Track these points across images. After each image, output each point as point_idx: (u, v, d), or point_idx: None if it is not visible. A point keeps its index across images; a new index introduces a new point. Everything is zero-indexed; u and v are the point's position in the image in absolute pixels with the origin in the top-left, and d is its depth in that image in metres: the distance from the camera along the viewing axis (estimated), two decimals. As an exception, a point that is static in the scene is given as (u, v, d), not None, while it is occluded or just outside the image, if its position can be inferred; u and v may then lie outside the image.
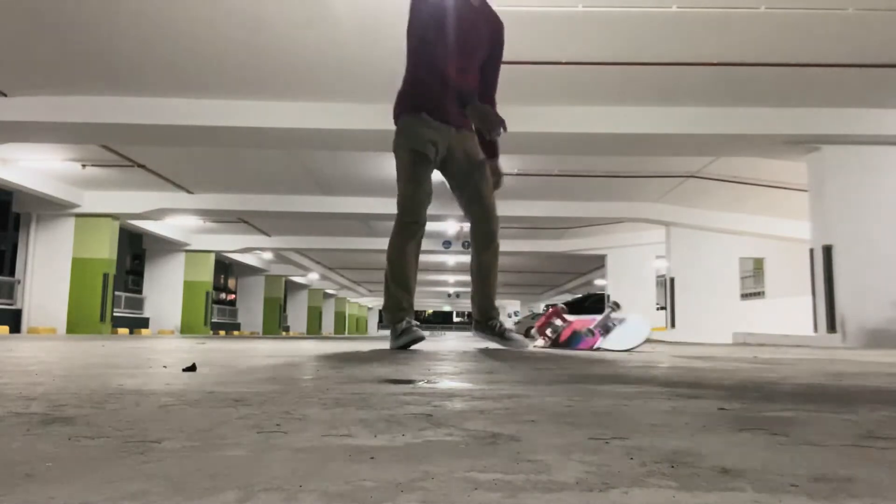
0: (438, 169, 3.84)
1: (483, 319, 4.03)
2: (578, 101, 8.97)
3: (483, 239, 3.89)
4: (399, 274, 3.74)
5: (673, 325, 15.33)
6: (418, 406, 1.18)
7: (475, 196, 3.86)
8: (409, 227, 3.70)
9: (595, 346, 4.52)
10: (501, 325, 4.03)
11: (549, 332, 5.22)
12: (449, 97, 3.51)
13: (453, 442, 0.82)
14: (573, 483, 0.61)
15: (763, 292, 17.28)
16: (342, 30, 6.99)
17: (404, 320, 3.75)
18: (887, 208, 9.02)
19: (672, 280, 15.60)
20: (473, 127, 3.71)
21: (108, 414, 1.04)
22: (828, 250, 8.92)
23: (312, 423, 0.98)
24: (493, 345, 4.13)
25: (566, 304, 24.80)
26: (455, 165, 3.79)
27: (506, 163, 12.00)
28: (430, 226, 17.95)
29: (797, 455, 0.76)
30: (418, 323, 3.86)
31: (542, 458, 0.72)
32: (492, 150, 3.95)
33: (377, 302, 53.53)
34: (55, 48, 7.66)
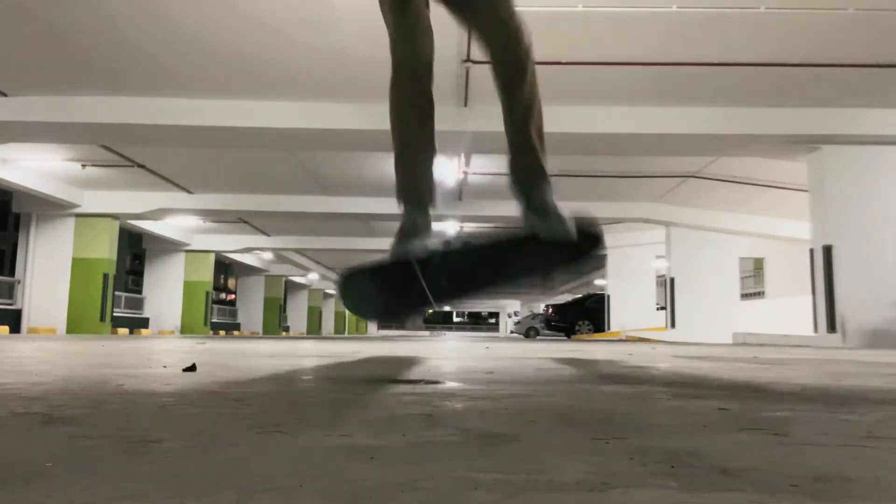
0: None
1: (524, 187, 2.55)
2: (578, 101, 8.96)
3: (508, 66, 2.59)
4: (395, 145, 2.65)
5: (673, 325, 15.33)
6: (418, 406, 1.18)
7: (481, 7, 2.64)
8: (397, 78, 2.64)
9: None
10: (548, 202, 2.53)
11: None
12: None
13: (453, 442, 0.82)
14: (573, 483, 0.61)
15: (763, 292, 17.28)
16: (342, 30, 6.99)
17: (404, 212, 2.55)
18: (887, 208, 9.01)
19: (672, 280, 15.60)
20: None
21: (108, 414, 1.04)
22: (828, 250, 8.91)
23: (312, 423, 0.98)
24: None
25: (565, 304, 24.79)
26: None
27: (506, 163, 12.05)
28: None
29: (797, 455, 0.76)
30: (424, 223, 2.45)
31: (541, 458, 0.72)
32: None
33: (377, 302, 53.41)
34: (55, 48, 7.66)
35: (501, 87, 2.65)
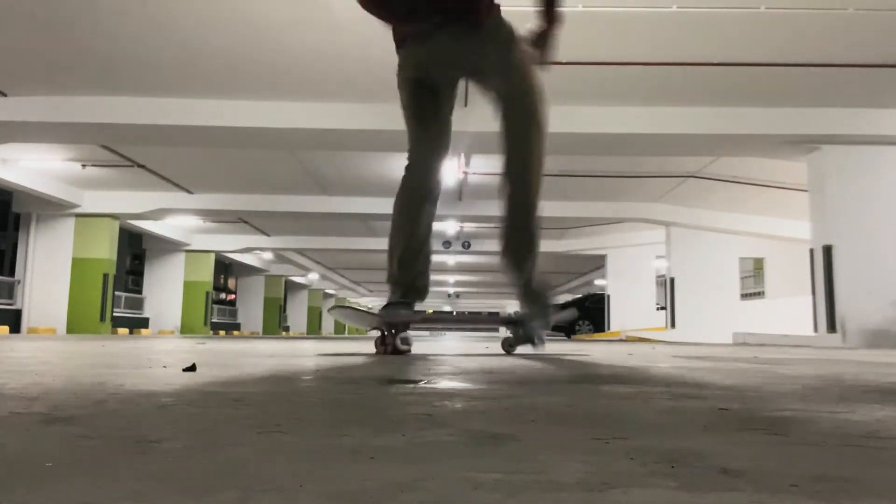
0: (468, 79, 2.97)
1: (515, 268, 2.95)
2: (578, 102, 8.96)
3: (517, 129, 2.80)
4: (392, 232, 2.98)
5: (673, 325, 15.34)
6: (418, 406, 1.18)
7: (502, 76, 2.82)
8: (407, 174, 2.94)
9: None
10: (537, 291, 2.95)
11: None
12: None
13: (453, 442, 0.82)
14: (573, 483, 0.61)
15: (763, 292, 17.29)
16: (341, 30, 6.99)
17: (392, 292, 3.00)
18: (887, 208, 9.02)
19: (672, 280, 15.60)
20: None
21: (108, 414, 1.04)
22: (828, 250, 8.92)
23: (312, 423, 0.98)
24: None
25: (564, 304, 24.78)
26: (470, 65, 2.87)
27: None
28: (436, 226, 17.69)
29: (797, 455, 0.76)
30: (404, 303, 3.00)
31: (542, 458, 0.72)
32: (549, 15, 3.00)
33: (377, 302, 53.51)
34: (55, 48, 7.66)
35: (505, 150, 2.78)
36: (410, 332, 3.21)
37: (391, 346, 3.06)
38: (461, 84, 3.06)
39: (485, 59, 2.84)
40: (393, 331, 3.07)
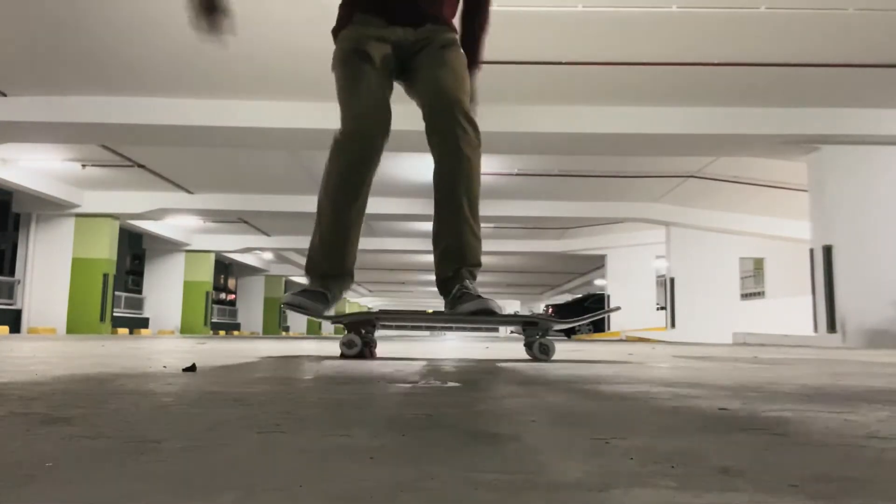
0: (397, 77, 2.84)
1: (443, 277, 2.69)
2: (578, 102, 8.97)
3: (439, 134, 2.63)
4: (327, 219, 2.73)
5: (673, 325, 15.34)
6: (418, 406, 1.18)
7: (428, 82, 2.71)
8: (339, 145, 2.67)
9: None
10: (462, 287, 2.62)
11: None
12: None
13: (453, 442, 0.82)
14: (573, 483, 0.61)
15: (763, 292, 17.29)
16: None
17: (315, 287, 2.71)
18: (887, 208, 9.02)
19: (672, 280, 15.60)
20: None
21: (108, 414, 1.04)
22: (828, 250, 8.92)
23: (312, 423, 0.98)
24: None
25: (560, 305, 24.80)
26: (412, 61, 2.75)
27: (506, 163, 12.06)
28: (422, 226, 17.77)
29: (797, 455, 0.76)
30: (326, 294, 2.70)
31: (542, 458, 0.72)
32: (472, 55, 2.87)
33: (377, 302, 53.50)
34: (55, 48, 7.66)
35: (434, 152, 2.61)
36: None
37: (368, 348, 2.86)
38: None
39: (417, 54, 2.74)
40: (363, 331, 2.85)
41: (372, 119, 2.65)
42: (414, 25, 2.73)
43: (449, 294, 2.64)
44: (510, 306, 49.66)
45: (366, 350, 2.84)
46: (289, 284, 31.80)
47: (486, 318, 2.56)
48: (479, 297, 2.57)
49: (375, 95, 2.68)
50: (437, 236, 2.70)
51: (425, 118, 2.66)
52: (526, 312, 36.45)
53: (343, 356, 2.79)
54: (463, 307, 2.55)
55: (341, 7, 2.86)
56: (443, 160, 2.65)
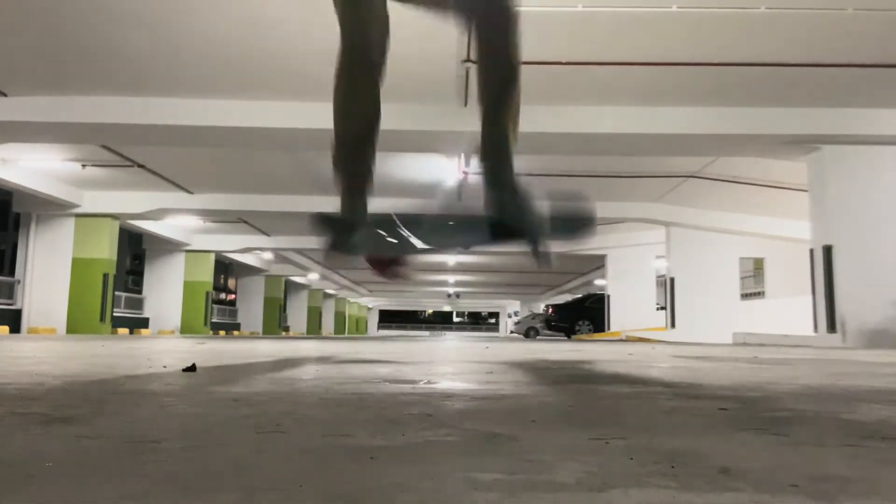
0: None
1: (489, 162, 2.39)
2: (578, 102, 8.96)
3: (501, 71, 2.27)
4: (340, 140, 2.46)
5: (673, 325, 15.33)
6: (418, 406, 1.18)
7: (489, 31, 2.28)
8: (346, 64, 2.37)
9: None
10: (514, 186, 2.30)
11: None
12: None
13: (453, 442, 0.82)
14: (573, 483, 0.61)
15: (763, 292, 17.28)
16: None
17: (345, 205, 2.50)
18: (887, 208, 9.01)
19: (672, 280, 15.59)
20: None
21: (108, 414, 1.04)
22: (828, 250, 8.91)
23: (312, 423, 0.98)
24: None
25: (565, 304, 24.81)
26: None
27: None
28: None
29: (797, 455, 0.76)
30: (362, 223, 2.43)
31: (542, 458, 0.72)
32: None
33: (377, 302, 53.53)
34: (55, 48, 7.65)
35: (490, 92, 2.28)
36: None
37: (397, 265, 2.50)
38: (462, 85, 2.70)
39: None
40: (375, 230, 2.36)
41: (369, 21, 2.32)
42: None
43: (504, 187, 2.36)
44: (510, 306, 49.70)
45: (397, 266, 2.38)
46: (289, 284, 31.82)
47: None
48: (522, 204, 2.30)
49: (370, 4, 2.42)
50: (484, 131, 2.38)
51: (483, 60, 2.34)
52: (526, 312, 36.44)
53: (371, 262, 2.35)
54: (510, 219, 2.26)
55: None
56: (494, 57, 2.30)
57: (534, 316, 28.76)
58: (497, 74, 2.51)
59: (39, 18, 6.95)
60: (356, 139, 2.55)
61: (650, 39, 7.20)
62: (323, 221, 2.45)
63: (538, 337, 23.84)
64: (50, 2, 6.65)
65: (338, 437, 0.84)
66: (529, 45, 6.72)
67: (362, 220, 2.57)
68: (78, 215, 15.11)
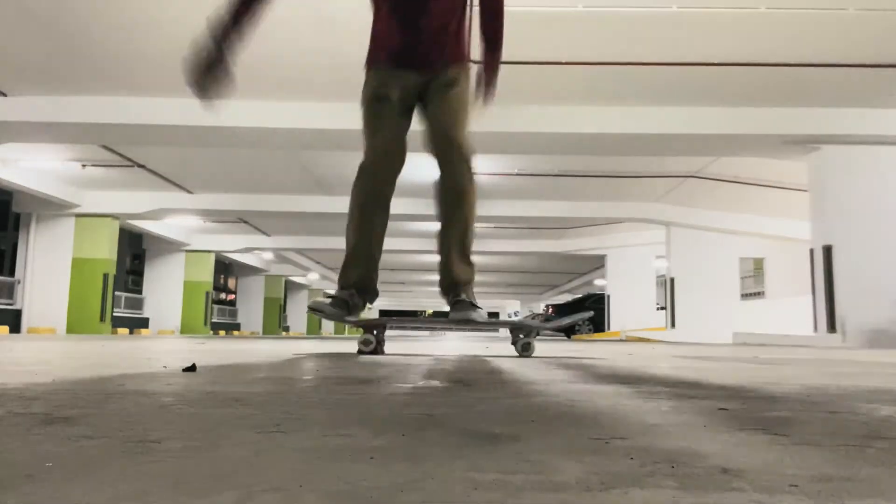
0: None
1: (443, 287, 3.22)
2: (578, 101, 8.97)
3: (440, 166, 3.17)
4: (356, 237, 3.20)
5: (673, 325, 15.34)
6: (418, 406, 1.18)
7: (430, 119, 3.23)
8: (362, 171, 3.22)
9: None
10: (456, 297, 3.13)
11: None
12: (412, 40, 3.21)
13: (453, 442, 0.82)
14: (573, 483, 0.61)
15: (763, 292, 17.28)
16: (342, 30, 6.99)
17: (346, 295, 3.14)
18: (887, 208, 9.01)
19: (672, 280, 15.60)
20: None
21: (108, 414, 1.04)
22: (828, 250, 8.91)
23: (312, 423, 0.98)
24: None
25: (565, 304, 24.82)
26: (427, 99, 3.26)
27: (506, 163, 12.06)
28: (422, 226, 17.78)
29: (797, 455, 0.76)
30: (356, 301, 3.14)
31: (542, 458, 0.72)
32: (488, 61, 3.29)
33: (378, 302, 53.37)
34: (55, 48, 7.65)
35: (437, 201, 3.13)
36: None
37: (379, 345, 3.41)
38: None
39: (427, 91, 3.26)
40: (375, 332, 3.44)
41: (388, 151, 3.22)
42: (419, 70, 3.23)
43: (448, 299, 3.19)
44: (510, 306, 49.68)
45: (378, 347, 3.37)
46: (289, 284, 31.82)
47: (472, 324, 3.10)
48: (471, 305, 3.11)
49: (392, 133, 3.24)
50: (440, 249, 3.22)
51: (429, 150, 3.20)
52: (526, 312, 36.43)
53: (360, 352, 3.29)
54: (452, 315, 3.12)
55: (370, 43, 3.41)
56: (443, 185, 3.17)
57: (534, 316, 28.76)
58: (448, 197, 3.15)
59: (39, 19, 6.95)
60: (367, 247, 3.16)
61: (650, 39, 7.20)
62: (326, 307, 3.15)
63: (538, 337, 23.80)
64: (50, 2, 6.65)
65: (338, 437, 0.84)
66: (530, 44, 6.77)
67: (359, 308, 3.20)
68: (78, 215, 15.11)
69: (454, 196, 3.12)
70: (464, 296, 3.10)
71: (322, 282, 33.42)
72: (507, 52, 3.95)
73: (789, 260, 15.12)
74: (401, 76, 3.25)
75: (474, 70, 3.26)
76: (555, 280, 32.33)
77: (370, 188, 3.18)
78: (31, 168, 12.85)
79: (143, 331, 19.46)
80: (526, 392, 1.47)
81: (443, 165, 3.13)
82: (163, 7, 6.67)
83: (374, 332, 3.41)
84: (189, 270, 20.63)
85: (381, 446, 0.78)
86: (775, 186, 12.41)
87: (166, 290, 20.48)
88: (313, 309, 3.19)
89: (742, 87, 8.40)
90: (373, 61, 3.37)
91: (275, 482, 0.60)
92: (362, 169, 3.19)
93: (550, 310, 24.24)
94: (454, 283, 3.12)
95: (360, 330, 3.48)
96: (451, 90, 3.22)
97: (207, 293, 20.94)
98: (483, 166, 11.89)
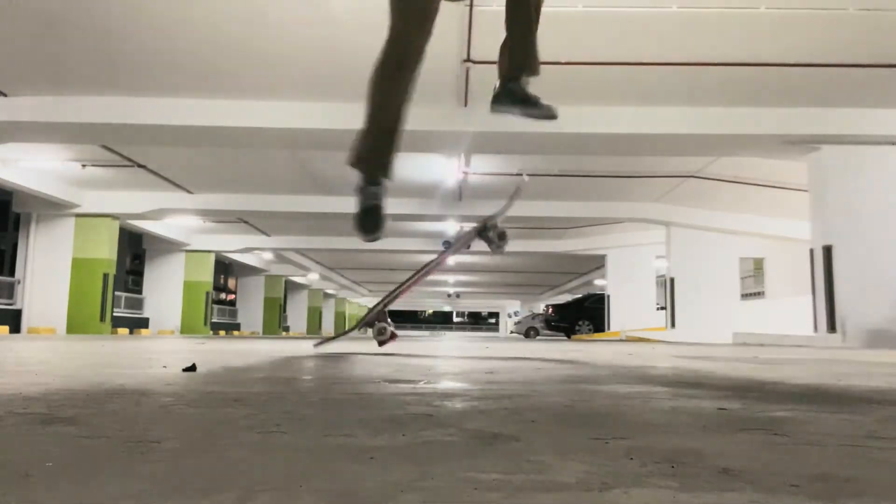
0: None
1: (515, 77, 2.92)
2: (578, 102, 8.96)
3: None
4: (375, 119, 2.92)
5: (673, 325, 15.33)
6: (418, 406, 1.18)
7: None
8: (395, 64, 2.86)
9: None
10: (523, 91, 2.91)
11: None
12: None
13: (453, 442, 0.82)
14: (573, 483, 0.61)
15: (763, 292, 17.28)
16: (342, 29, 6.99)
17: (365, 181, 2.89)
18: (887, 208, 9.00)
19: (672, 280, 15.59)
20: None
21: (108, 414, 1.04)
22: (828, 250, 8.91)
23: (312, 423, 0.98)
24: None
25: (565, 304, 24.80)
26: None
27: (506, 163, 12.06)
28: (422, 226, 17.66)
29: (797, 455, 0.76)
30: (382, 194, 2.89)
31: (542, 458, 0.72)
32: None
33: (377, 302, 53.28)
34: (55, 48, 7.65)
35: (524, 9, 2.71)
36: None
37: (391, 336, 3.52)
38: (462, 85, 3.08)
39: None
40: (378, 321, 3.58)
41: (422, 9, 2.73)
42: None
43: (519, 94, 2.89)
44: (510, 306, 49.69)
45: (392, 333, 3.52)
46: (289, 284, 31.82)
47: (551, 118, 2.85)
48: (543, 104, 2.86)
49: (418, 13, 2.73)
50: (512, 43, 2.86)
51: None
52: (526, 312, 36.41)
53: (381, 344, 3.47)
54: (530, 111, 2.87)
55: None
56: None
57: (534, 316, 28.75)
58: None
59: (39, 18, 6.95)
60: (388, 129, 2.86)
61: (650, 39, 7.20)
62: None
63: (538, 337, 23.84)
64: (50, 2, 6.65)
65: (338, 437, 0.84)
66: (529, 44, 6.47)
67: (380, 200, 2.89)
68: (78, 215, 15.11)
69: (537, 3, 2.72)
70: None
71: (322, 282, 33.43)
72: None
73: (789, 260, 15.11)
74: None
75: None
76: (555, 280, 32.33)
77: (402, 47, 2.78)
78: (31, 168, 12.84)
79: (143, 331, 19.46)
80: (525, 392, 1.47)
81: None
82: (163, 7, 6.67)
83: (378, 321, 3.55)
84: (189, 270, 20.63)
85: (381, 446, 0.78)
86: (775, 186, 12.40)
87: (166, 290, 20.47)
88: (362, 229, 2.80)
89: (742, 87, 8.40)
90: None
91: (275, 482, 0.60)
92: (388, 41, 2.77)
93: (550, 310, 24.23)
94: (533, 67, 2.83)
95: (363, 330, 3.64)
96: None
97: (207, 293, 20.93)
98: (483, 166, 11.89)
